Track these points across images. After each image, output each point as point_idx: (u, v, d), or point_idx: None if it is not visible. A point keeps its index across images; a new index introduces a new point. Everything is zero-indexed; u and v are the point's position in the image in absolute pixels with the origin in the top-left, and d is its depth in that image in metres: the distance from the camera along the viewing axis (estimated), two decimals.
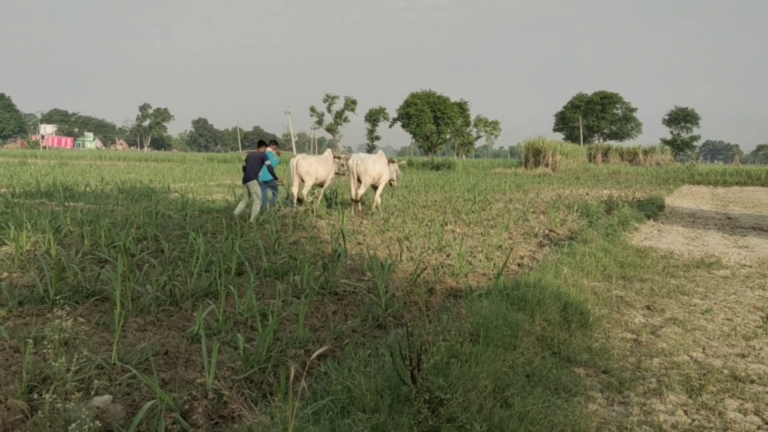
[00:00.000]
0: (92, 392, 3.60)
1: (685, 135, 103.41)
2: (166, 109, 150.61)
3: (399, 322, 5.57)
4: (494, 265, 8.31)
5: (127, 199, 15.87)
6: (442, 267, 8.00)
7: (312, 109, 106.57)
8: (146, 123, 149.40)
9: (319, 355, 4.46)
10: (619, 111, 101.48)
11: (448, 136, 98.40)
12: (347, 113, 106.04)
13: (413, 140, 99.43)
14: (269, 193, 13.90)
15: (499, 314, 4.89)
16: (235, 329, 5.16)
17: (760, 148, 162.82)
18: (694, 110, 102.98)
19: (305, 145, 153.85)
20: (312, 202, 15.24)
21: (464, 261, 7.99)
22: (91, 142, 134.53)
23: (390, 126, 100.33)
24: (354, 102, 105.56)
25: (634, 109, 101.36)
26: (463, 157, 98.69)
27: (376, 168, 14.13)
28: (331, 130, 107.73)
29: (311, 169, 14.27)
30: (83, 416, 2.97)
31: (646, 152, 66.14)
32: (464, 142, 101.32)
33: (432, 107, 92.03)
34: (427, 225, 12.19)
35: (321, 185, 15.13)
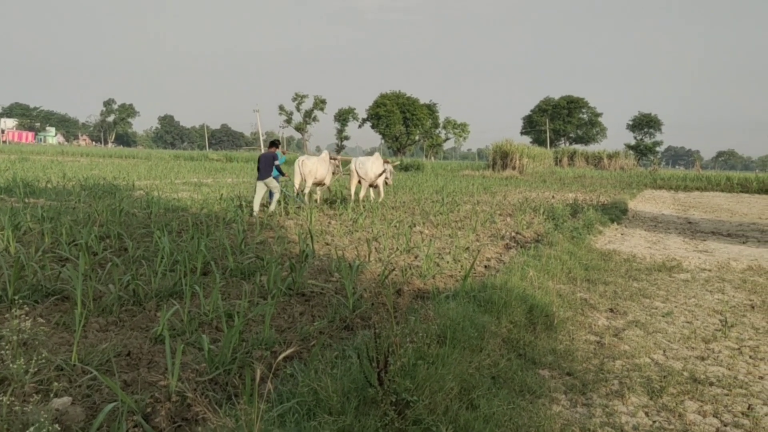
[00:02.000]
0: (51, 394, 3.51)
1: (648, 140, 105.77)
2: (131, 105, 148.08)
3: (366, 323, 5.56)
4: (461, 266, 8.36)
5: (90, 196, 15.55)
6: (410, 268, 8.02)
7: (281, 108, 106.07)
8: (111, 119, 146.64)
9: (285, 357, 4.43)
10: (585, 116, 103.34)
11: (417, 138, 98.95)
12: (316, 112, 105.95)
13: (382, 141, 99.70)
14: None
15: (466, 316, 4.92)
16: (200, 330, 5.09)
17: (720, 154, 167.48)
18: (657, 116, 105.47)
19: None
20: (314, 200, 16.58)
21: (432, 262, 8.03)
22: (52, 137, 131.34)
23: (359, 126, 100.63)
24: (323, 101, 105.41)
25: (599, 114, 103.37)
26: (432, 158, 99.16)
27: (374, 169, 15.96)
28: (300, 129, 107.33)
29: (313, 169, 15.51)
30: (42, 419, 2.90)
31: (610, 157, 67.37)
32: (433, 143, 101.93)
33: (401, 108, 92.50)
34: (395, 226, 12.21)
35: (320, 184, 16.29)
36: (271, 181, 13.89)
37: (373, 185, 16.50)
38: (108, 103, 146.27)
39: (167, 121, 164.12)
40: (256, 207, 13.64)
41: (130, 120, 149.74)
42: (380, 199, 16.73)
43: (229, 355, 4.25)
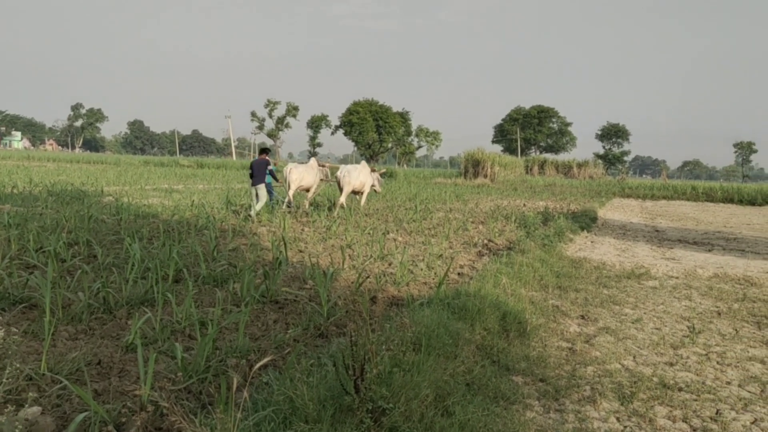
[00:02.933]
0: (21, 404, 3.43)
1: (616, 150, 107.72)
2: (99, 110, 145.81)
3: (341, 330, 5.56)
4: (435, 273, 8.40)
5: (57, 202, 15.24)
6: (384, 275, 8.03)
7: (253, 114, 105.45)
8: (78, 123, 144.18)
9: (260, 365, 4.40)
10: (555, 125, 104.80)
11: (390, 145, 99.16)
12: (289, 119, 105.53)
13: (355, 148, 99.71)
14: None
15: (441, 323, 4.95)
16: (172, 338, 5.03)
17: (685, 164, 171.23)
18: (625, 126, 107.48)
19: (245, 150, 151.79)
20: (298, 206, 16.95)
21: (406, 270, 8.05)
22: (18, 141, 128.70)
23: (332, 133, 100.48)
24: (296, 108, 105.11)
25: (569, 124, 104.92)
26: (405, 166, 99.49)
27: (360, 178, 16.41)
28: (272, 135, 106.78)
29: (299, 176, 15.89)
30: (11, 429, 2.83)
31: (580, 165, 68.32)
32: (406, 151, 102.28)
33: (374, 116, 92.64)
34: (369, 233, 12.22)
35: (307, 190, 16.79)
36: (262, 188, 14.48)
37: (356, 192, 16.90)
38: (76, 108, 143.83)
39: (137, 126, 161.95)
40: (254, 211, 14.24)
41: (98, 125, 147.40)
42: (361, 206, 17.08)
43: (203, 363, 4.21)
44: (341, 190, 16.28)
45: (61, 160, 60.47)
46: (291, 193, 15.93)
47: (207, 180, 33.44)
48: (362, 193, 17.03)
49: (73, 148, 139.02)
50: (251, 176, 14.68)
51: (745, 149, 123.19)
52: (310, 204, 17.50)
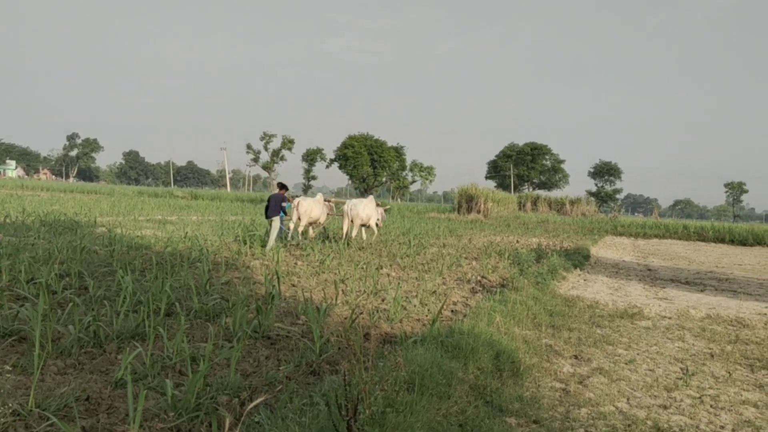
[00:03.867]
0: None
1: (608, 188, 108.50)
2: (95, 140, 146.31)
3: (333, 368, 5.52)
4: (428, 310, 8.38)
5: (50, 232, 15.17)
6: (378, 312, 8.00)
7: (248, 147, 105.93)
8: (74, 153, 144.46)
9: (252, 402, 4.36)
10: (548, 162, 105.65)
11: (384, 179, 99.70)
12: (284, 152, 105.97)
13: (350, 181, 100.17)
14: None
15: (434, 362, 4.92)
16: (163, 374, 4.97)
17: (676, 203, 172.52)
18: (617, 164, 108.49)
19: (240, 182, 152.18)
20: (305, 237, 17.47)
21: (399, 306, 8.02)
22: (12, 170, 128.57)
23: (327, 166, 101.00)
24: (291, 141, 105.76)
25: (562, 161, 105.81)
26: (399, 200, 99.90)
27: (366, 211, 16.98)
28: (267, 168, 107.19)
29: (308, 209, 16.40)
30: None
31: (572, 202, 68.73)
32: (400, 185, 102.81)
33: (369, 150, 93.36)
34: (362, 268, 12.20)
35: (314, 223, 17.28)
36: (276, 221, 15.20)
37: (365, 225, 17.50)
38: (71, 137, 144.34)
39: (132, 156, 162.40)
40: (271, 242, 14.82)
41: (93, 155, 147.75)
42: (373, 238, 18.19)
43: (193, 400, 4.16)
44: (350, 222, 16.88)
45: (55, 190, 60.40)
46: (302, 226, 16.49)
47: (201, 212, 33.41)
48: (368, 226, 17.71)
49: (68, 177, 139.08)
50: (266, 209, 15.41)
51: (736, 189, 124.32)
52: (316, 238, 17.94)
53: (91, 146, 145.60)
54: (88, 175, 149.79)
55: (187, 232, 16.96)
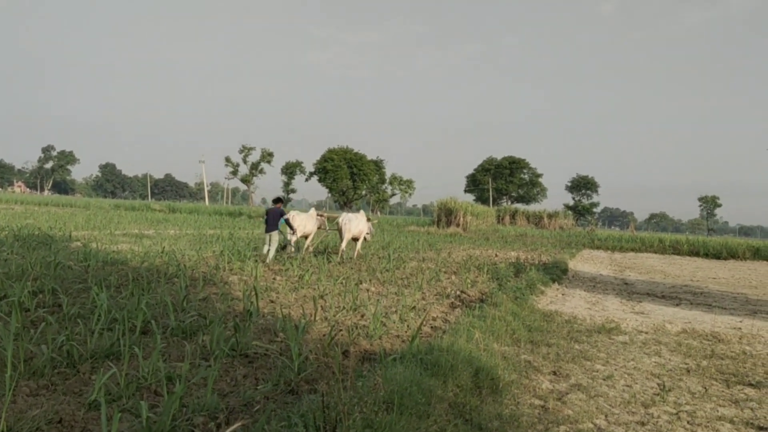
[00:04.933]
0: None
1: (585, 201, 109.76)
2: (71, 152, 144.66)
3: (312, 387, 5.46)
4: (408, 326, 8.36)
5: (24, 247, 14.90)
6: (357, 328, 7.96)
7: (227, 160, 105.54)
8: (49, 165, 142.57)
9: (229, 423, 4.30)
10: (526, 176, 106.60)
11: (363, 192, 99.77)
12: (263, 165, 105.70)
13: (329, 194, 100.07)
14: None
15: (414, 381, 4.90)
16: (138, 395, 4.88)
17: (652, 216, 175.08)
18: (594, 178, 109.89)
19: (218, 195, 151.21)
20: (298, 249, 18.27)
21: (379, 322, 7.99)
22: None
23: (306, 180, 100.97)
24: (270, 154, 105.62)
25: (539, 175, 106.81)
26: (378, 213, 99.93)
27: (359, 226, 17.97)
28: (246, 181, 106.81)
29: (302, 224, 17.28)
30: None
31: (550, 216, 69.42)
32: (379, 198, 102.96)
33: (349, 163, 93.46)
34: (342, 283, 12.15)
35: (307, 236, 18.25)
36: (275, 234, 15.70)
37: (356, 239, 18.38)
38: (47, 150, 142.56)
39: (108, 169, 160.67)
40: (272, 254, 15.50)
41: (69, 167, 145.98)
42: (360, 251, 18.84)
43: (169, 423, 4.09)
44: (342, 236, 17.64)
45: (30, 203, 59.47)
46: (295, 239, 17.28)
47: (179, 225, 33.10)
48: (359, 240, 18.51)
49: (42, 190, 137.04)
50: (266, 223, 15.86)
51: (710, 203, 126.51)
52: (308, 251, 18.48)
53: (67, 159, 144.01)
54: (63, 187, 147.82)
55: (164, 247, 16.78)
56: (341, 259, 17.07)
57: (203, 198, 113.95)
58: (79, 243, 17.28)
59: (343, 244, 17.62)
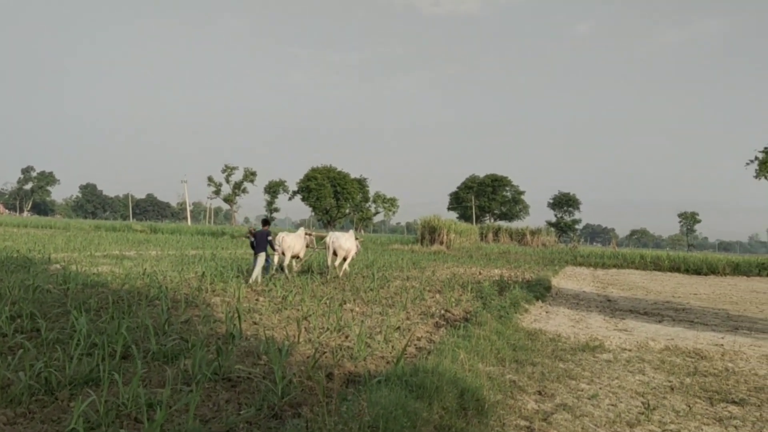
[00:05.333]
0: None
1: (567, 218, 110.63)
2: (51, 173, 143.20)
3: (296, 411, 5.39)
4: (393, 347, 8.31)
5: (2, 270, 14.65)
6: (341, 349, 7.90)
7: (210, 179, 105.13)
8: (28, 186, 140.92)
9: None
10: (509, 193, 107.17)
11: (347, 211, 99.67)
12: (246, 184, 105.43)
13: (313, 213, 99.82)
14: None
15: (399, 404, 4.86)
16: (117, 423, 4.79)
17: (633, 232, 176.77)
18: (575, 195, 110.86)
19: (201, 215, 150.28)
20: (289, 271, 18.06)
21: (363, 343, 7.93)
22: None
23: (290, 198, 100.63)
24: (253, 173, 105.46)
25: (522, 192, 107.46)
26: (362, 231, 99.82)
27: (347, 244, 18.26)
28: (228, 200, 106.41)
29: (291, 244, 17.37)
30: None
31: (533, 233, 69.73)
32: (363, 217, 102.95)
33: (332, 182, 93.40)
34: (326, 303, 12.08)
35: (296, 257, 18.27)
36: (262, 256, 15.86)
37: (345, 258, 18.53)
38: (26, 171, 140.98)
39: (89, 189, 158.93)
40: (259, 277, 15.65)
41: (49, 188, 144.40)
42: (347, 269, 19.01)
43: None
44: (333, 254, 17.99)
45: (8, 224, 58.66)
46: (286, 261, 17.32)
47: (161, 246, 32.79)
48: (346, 259, 18.65)
49: (22, 211, 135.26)
50: (252, 245, 16.15)
51: (689, 219, 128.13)
52: (298, 271, 18.86)
53: (47, 179, 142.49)
54: (43, 208, 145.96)
55: (145, 269, 16.60)
56: (330, 277, 17.41)
57: (185, 218, 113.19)
58: (58, 265, 17.04)
59: (330, 261, 17.97)
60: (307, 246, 18.96)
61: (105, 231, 56.82)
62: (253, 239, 16.31)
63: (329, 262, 18.14)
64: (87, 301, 10.29)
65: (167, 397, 5.12)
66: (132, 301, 10.71)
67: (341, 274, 18.30)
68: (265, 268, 16.75)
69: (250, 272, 16.33)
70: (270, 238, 16.28)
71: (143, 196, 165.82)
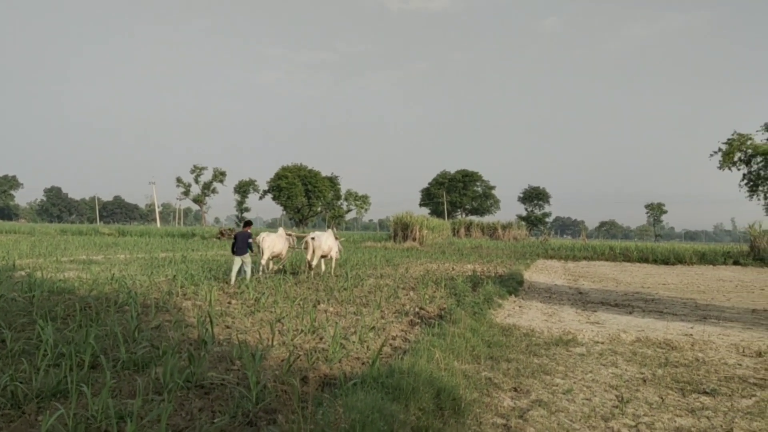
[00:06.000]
0: None
1: (538, 211, 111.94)
2: (14, 177, 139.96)
3: (271, 417, 5.32)
4: (368, 347, 8.27)
5: None
6: (316, 352, 7.83)
7: (178, 180, 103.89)
8: None
9: None
10: (480, 188, 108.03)
11: (319, 209, 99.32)
12: (216, 184, 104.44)
13: (284, 212, 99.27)
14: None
15: (375, 407, 4.82)
16: None
17: (602, 224, 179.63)
18: (545, 189, 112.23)
19: (170, 217, 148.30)
20: (273, 270, 18.89)
21: (338, 345, 7.88)
22: None
23: (260, 198, 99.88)
24: (223, 173, 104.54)
25: (492, 187, 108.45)
26: (335, 229, 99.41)
27: (328, 243, 18.44)
28: (198, 201, 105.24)
29: (272, 244, 17.81)
30: None
31: (504, 227, 70.47)
32: (335, 214, 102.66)
33: (303, 180, 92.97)
34: (299, 304, 11.98)
35: (277, 256, 18.77)
36: (247, 257, 16.18)
37: (325, 256, 18.81)
38: None
39: (54, 193, 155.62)
40: (233, 278, 15.77)
41: (12, 192, 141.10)
42: (332, 268, 19.51)
43: None
44: (313, 254, 17.99)
45: None
46: (264, 260, 17.75)
47: (129, 249, 32.24)
48: (330, 258, 19.09)
49: None
50: (233, 247, 16.18)
51: (656, 210, 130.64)
52: (279, 270, 19.37)
53: (10, 183, 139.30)
54: (6, 213, 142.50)
55: (114, 273, 16.28)
56: (308, 276, 17.84)
57: (154, 220, 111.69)
58: (23, 272, 16.61)
59: (314, 262, 18.03)
60: (289, 247, 19.29)
61: (71, 235, 55.70)
62: (234, 240, 16.33)
63: (309, 261, 18.12)
64: (53, 309, 10.05)
65: (138, 408, 5.00)
66: (100, 308, 10.48)
67: (332, 272, 18.96)
68: (242, 271, 16.73)
69: (227, 274, 16.57)
70: (251, 240, 16.42)
71: (110, 199, 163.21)
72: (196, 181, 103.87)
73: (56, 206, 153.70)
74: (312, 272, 18.17)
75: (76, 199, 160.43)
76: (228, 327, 9.56)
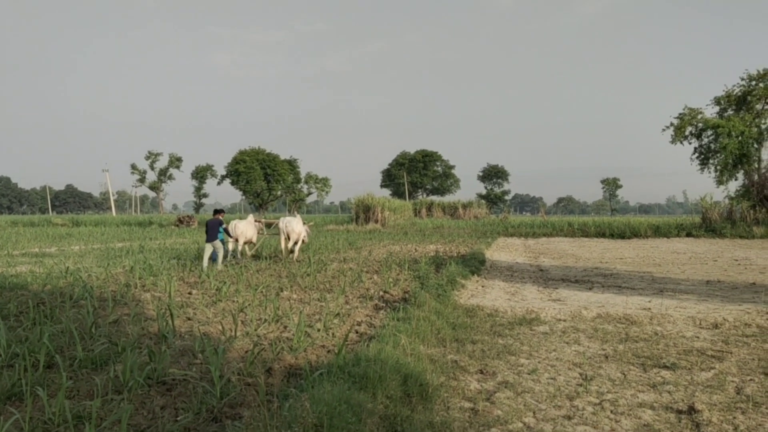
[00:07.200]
0: None
1: (497, 190, 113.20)
2: None
3: (236, 412, 5.21)
4: (333, 335, 8.20)
5: None
6: (280, 341, 7.72)
7: (133, 167, 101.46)
8: None
9: None
10: (440, 168, 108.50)
11: (279, 193, 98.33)
12: (172, 171, 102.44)
13: (243, 197, 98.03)
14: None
15: (342, 398, 4.76)
16: None
17: (560, 200, 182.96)
18: (504, 167, 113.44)
19: (126, 204, 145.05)
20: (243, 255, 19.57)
21: (302, 333, 7.79)
22: None
23: (219, 183, 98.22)
24: (179, 159, 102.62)
25: (452, 167, 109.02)
26: (295, 213, 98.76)
27: (298, 227, 19.02)
28: (154, 188, 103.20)
29: (244, 230, 18.58)
30: None
31: (465, 206, 71.01)
32: (296, 198, 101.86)
33: (262, 164, 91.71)
34: (262, 292, 11.83)
35: (249, 242, 19.57)
36: (218, 243, 16.74)
37: (296, 241, 19.27)
38: None
39: (2, 183, 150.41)
40: (205, 264, 16.29)
41: None
42: (295, 257, 19.36)
43: None
44: (286, 238, 18.79)
45: None
46: (240, 245, 18.80)
47: (84, 240, 31.41)
48: (297, 243, 19.37)
49: None
50: (207, 233, 16.69)
51: (611, 185, 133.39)
52: (255, 256, 20.52)
53: None
54: None
55: (68, 266, 15.80)
56: (284, 258, 18.84)
57: (110, 208, 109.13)
58: None
59: (284, 245, 18.92)
60: (258, 232, 20.32)
61: (23, 227, 54.00)
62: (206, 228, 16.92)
63: (282, 247, 19.02)
64: (5, 306, 9.68)
65: (98, 409, 4.84)
66: (55, 304, 10.15)
67: (296, 257, 19.08)
68: (212, 258, 17.10)
69: (202, 261, 16.80)
70: (224, 226, 17.16)
71: (62, 188, 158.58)
72: (152, 168, 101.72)
73: (5, 197, 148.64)
74: (293, 256, 18.89)
75: (26, 189, 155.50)
76: (189, 319, 9.37)
